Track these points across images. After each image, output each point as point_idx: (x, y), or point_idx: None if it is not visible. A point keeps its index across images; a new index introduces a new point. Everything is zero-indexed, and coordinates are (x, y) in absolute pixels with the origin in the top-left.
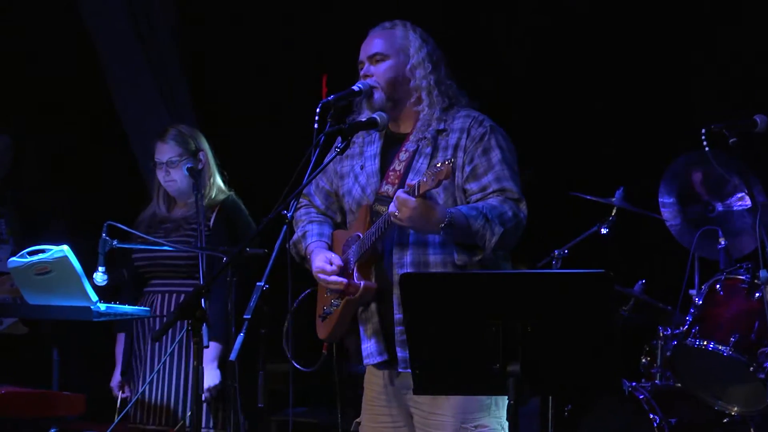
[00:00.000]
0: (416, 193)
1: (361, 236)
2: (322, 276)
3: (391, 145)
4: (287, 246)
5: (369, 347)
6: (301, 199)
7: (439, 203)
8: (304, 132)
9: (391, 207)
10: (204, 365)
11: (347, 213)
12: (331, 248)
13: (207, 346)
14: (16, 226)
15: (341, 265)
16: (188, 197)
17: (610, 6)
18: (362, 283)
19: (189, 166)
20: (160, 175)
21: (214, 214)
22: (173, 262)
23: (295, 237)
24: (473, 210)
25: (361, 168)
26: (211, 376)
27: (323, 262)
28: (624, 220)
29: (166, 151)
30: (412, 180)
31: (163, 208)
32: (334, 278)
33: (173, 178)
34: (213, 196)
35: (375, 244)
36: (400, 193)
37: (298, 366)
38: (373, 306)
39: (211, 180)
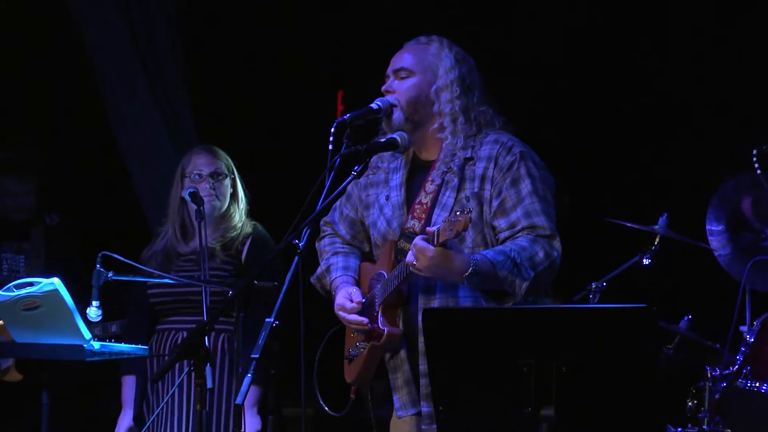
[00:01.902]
0: (435, 242)
1: (386, 276)
2: (342, 314)
3: (417, 173)
4: (311, 280)
5: (401, 398)
6: (324, 228)
7: (461, 251)
8: (318, 154)
9: (409, 256)
10: (245, 410)
11: (373, 246)
12: (357, 282)
13: (211, 389)
14: (37, 264)
15: (362, 301)
16: (217, 223)
17: (650, 21)
18: (386, 329)
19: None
20: (206, 188)
21: (246, 246)
22: (201, 297)
23: (318, 270)
24: (500, 255)
25: (387, 198)
26: (250, 423)
27: (344, 298)
28: (668, 249)
29: (209, 162)
30: (434, 223)
31: (182, 242)
32: (353, 317)
33: (219, 192)
34: (243, 224)
35: (399, 288)
36: (418, 240)
37: (328, 410)
38: (402, 353)
39: (242, 208)
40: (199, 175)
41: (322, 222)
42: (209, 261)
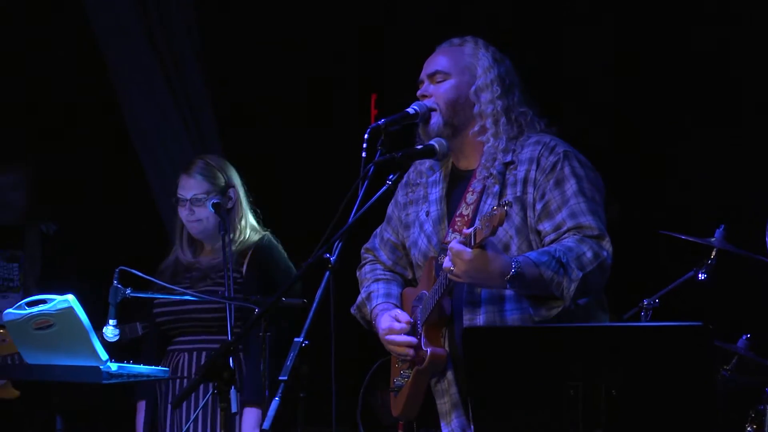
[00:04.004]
0: (473, 244)
1: (427, 294)
2: (390, 337)
3: (458, 184)
4: (351, 311)
5: (451, 424)
6: (365, 255)
7: (501, 252)
8: (351, 161)
9: (446, 262)
10: None
11: (415, 268)
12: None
13: (236, 413)
14: (32, 273)
15: (410, 320)
16: (216, 240)
17: (706, 28)
18: (429, 349)
19: (215, 201)
20: (183, 213)
21: (247, 258)
22: (201, 315)
23: (359, 299)
24: (544, 255)
25: (427, 214)
26: None
27: (390, 320)
28: (725, 264)
29: (191, 187)
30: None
31: (188, 254)
32: (403, 338)
33: (198, 217)
34: (245, 238)
35: (440, 304)
36: (453, 244)
37: None
38: (449, 375)
39: (243, 221)
40: (181, 200)
41: (363, 249)
42: (203, 282)
